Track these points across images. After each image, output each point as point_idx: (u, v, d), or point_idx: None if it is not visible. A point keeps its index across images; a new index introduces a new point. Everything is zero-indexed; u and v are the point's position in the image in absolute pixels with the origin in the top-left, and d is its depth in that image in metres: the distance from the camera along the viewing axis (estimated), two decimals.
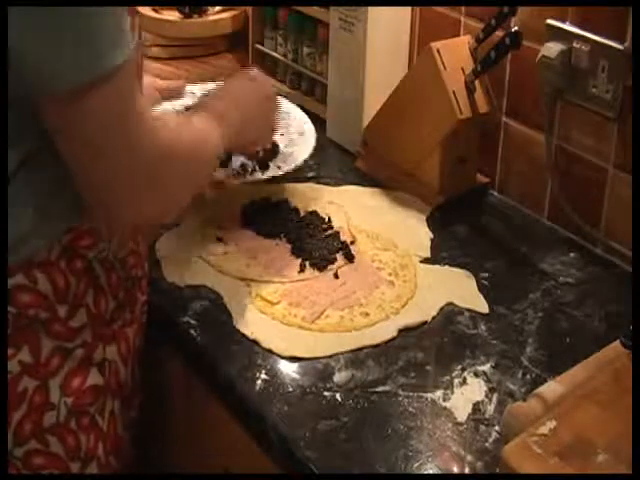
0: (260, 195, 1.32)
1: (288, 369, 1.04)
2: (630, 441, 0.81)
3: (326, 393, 1.00)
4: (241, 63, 1.77)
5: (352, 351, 1.07)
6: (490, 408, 0.99)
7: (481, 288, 1.19)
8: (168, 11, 1.79)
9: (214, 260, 1.20)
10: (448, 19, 1.42)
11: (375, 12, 1.42)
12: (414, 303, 1.15)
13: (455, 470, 0.92)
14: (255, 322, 1.10)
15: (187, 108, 1.18)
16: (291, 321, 1.10)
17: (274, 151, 1.35)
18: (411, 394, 1.01)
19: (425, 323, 1.12)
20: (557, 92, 1.27)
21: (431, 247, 1.27)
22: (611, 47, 1.19)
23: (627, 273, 1.23)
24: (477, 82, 1.30)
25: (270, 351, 1.06)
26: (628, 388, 0.86)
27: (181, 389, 1.18)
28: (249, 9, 1.75)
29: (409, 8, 1.48)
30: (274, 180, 1.32)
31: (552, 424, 0.85)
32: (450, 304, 1.15)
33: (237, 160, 1.31)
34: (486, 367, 1.05)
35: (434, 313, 1.14)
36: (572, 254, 1.28)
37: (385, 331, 1.10)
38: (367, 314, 1.12)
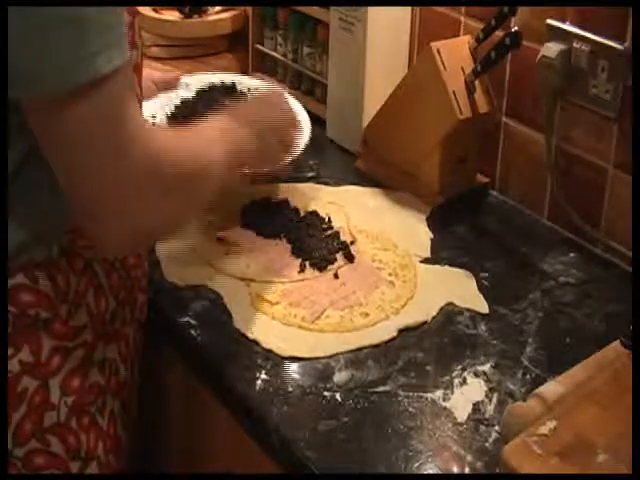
0: (260, 195, 1.33)
1: (288, 369, 1.04)
2: (630, 441, 0.81)
3: (326, 393, 1.00)
4: (241, 63, 1.77)
5: (352, 351, 1.07)
6: (490, 408, 0.99)
7: (481, 288, 1.19)
8: (168, 11, 1.79)
9: (214, 260, 1.20)
10: (448, 19, 1.42)
11: (375, 12, 1.42)
12: (414, 303, 1.15)
13: (455, 470, 0.92)
14: (255, 322, 1.10)
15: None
16: (291, 321, 1.10)
17: None
18: (411, 394, 1.01)
19: (425, 323, 1.12)
20: (557, 92, 1.27)
21: (431, 247, 1.27)
22: (611, 47, 1.19)
23: (627, 273, 1.23)
24: (477, 82, 1.30)
25: (270, 351, 1.06)
26: (628, 388, 0.86)
27: (181, 389, 1.18)
28: (249, 9, 1.75)
29: (409, 8, 1.48)
30: (274, 180, 1.33)
31: (552, 424, 0.85)
32: (450, 304, 1.15)
33: None
34: (486, 367, 1.05)
35: (434, 313, 1.14)
36: (572, 254, 1.28)
37: (385, 331, 1.10)
38: (367, 314, 1.12)
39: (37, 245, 0.91)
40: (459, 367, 1.05)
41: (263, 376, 1.02)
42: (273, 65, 1.73)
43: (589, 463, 0.82)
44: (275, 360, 1.05)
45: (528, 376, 1.04)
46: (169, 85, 1.39)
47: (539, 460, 0.82)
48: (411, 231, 1.30)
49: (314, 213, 1.29)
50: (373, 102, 1.44)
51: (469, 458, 0.93)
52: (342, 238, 1.24)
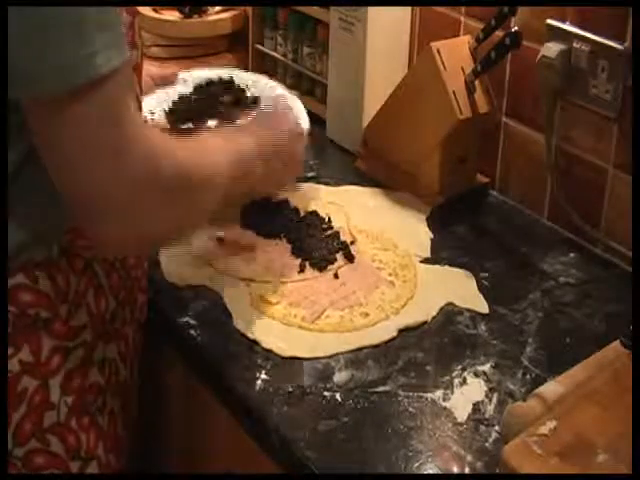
0: (260, 195, 1.32)
1: (288, 369, 1.04)
2: (630, 441, 0.81)
3: (326, 393, 1.00)
4: (241, 63, 1.77)
5: (352, 351, 1.07)
6: (490, 408, 0.99)
7: (481, 288, 1.19)
8: (168, 11, 1.79)
9: (214, 260, 1.20)
10: (448, 19, 1.42)
11: (375, 12, 1.42)
12: (414, 303, 1.15)
13: (455, 470, 0.92)
14: (255, 322, 1.10)
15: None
16: (291, 321, 1.10)
17: None
18: (411, 394, 1.01)
19: (425, 323, 1.12)
20: (557, 92, 1.27)
21: (431, 247, 1.27)
22: (611, 47, 1.19)
23: (627, 273, 1.23)
24: (477, 82, 1.30)
25: (270, 351, 1.06)
26: (628, 388, 0.86)
27: (181, 389, 1.18)
28: (249, 9, 1.75)
29: (409, 8, 1.48)
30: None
31: (552, 424, 0.85)
32: (450, 304, 1.15)
33: None
34: (486, 367, 1.05)
35: (434, 313, 1.14)
36: (572, 254, 1.28)
37: (385, 331, 1.10)
38: (367, 314, 1.12)
39: (37, 245, 0.91)
40: (459, 367, 1.05)
41: (263, 376, 1.02)
42: (273, 65, 1.73)
43: (589, 463, 0.82)
44: (275, 360, 1.05)
45: (528, 376, 1.04)
46: (167, 81, 1.40)
47: (539, 460, 0.82)
48: (411, 231, 1.30)
49: (314, 213, 1.29)
50: (373, 102, 1.44)
51: (469, 458, 0.93)
52: (342, 238, 1.24)
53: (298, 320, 1.10)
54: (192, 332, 1.09)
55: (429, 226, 1.32)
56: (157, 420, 1.24)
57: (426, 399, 1.00)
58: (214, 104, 1.40)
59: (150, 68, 1.37)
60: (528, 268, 1.24)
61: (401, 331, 1.10)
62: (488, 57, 1.26)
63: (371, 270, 1.20)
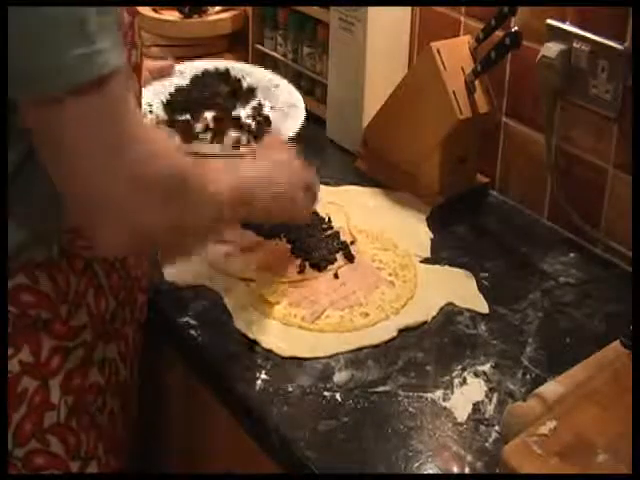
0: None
1: (288, 369, 1.04)
2: (630, 441, 0.81)
3: (326, 393, 1.00)
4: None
5: (352, 351, 1.07)
6: (490, 408, 0.99)
7: (481, 288, 1.19)
8: (168, 11, 1.78)
9: (214, 260, 1.20)
10: (448, 19, 1.42)
11: (375, 12, 1.42)
12: (414, 303, 1.15)
13: (455, 470, 0.92)
14: (255, 322, 1.10)
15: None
16: (291, 321, 1.10)
17: (267, 123, 1.37)
18: (411, 394, 1.01)
19: (425, 323, 1.12)
20: (557, 92, 1.27)
21: (431, 247, 1.27)
22: (611, 47, 1.19)
23: (627, 273, 1.23)
24: (477, 82, 1.30)
25: (270, 351, 1.06)
26: (628, 388, 0.86)
27: (181, 389, 1.19)
28: (249, 9, 1.75)
29: (409, 8, 1.48)
30: None
31: (552, 424, 0.85)
32: (450, 304, 1.15)
33: (231, 134, 1.33)
34: (486, 367, 1.05)
35: (434, 313, 1.14)
36: (572, 254, 1.28)
37: (385, 331, 1.10)
38: (367, 314, 1.12)
39: (37, 245, 0.91)
40: (459, 367, 1.05)
41: (263, 376, 1.02)
42: (273, 65, 1.72)
43: (589, 463, 0.82)
44: (275, 360, 1.05)
45: (528, 376, 1.04)
46: (163, 73, 1.40)
47: (539, 460, 0.82)
48: (411, 231, 1.30)
49: (314, 213, 1.29)
50: (373, 102, 1.44)
51: (469, 458, 0.93)
52: (342, 238, 1.24)
53: (298, 320, 1.10)
54: (192, 332, 1.09)
55: (429, 226, 1.32)
56: (157, 420, 1.24)
57: (426, 399, 1.00)
58: (211, 95, 1.41)
59: (146, 61, 1.37)
60: (528, 268, 1.24)
61: (401, 331, 1.10)
62: (488, 57, 1.26)
63: (371, 270, 1.20)
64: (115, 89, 0.81)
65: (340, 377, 1.03)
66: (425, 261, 1.24)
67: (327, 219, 1.28)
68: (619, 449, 0.82)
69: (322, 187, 1.38)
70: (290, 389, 1.01)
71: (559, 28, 1.25)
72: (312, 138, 1.55)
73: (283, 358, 1.05)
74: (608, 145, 1.24)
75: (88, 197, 0.83)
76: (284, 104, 1.42)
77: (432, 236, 1.30)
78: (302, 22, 1.62)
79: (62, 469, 0.96)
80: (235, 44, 1.83)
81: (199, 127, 1.35)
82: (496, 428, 0.96)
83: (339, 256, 1.21)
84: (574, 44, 1.23)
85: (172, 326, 1.11)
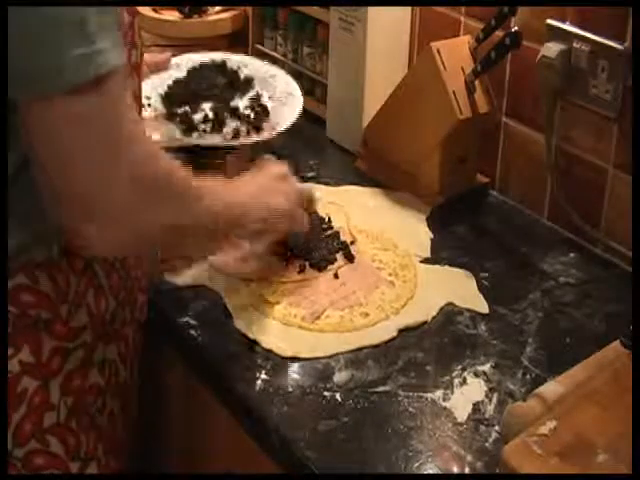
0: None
1: (288, 369, 1.04)
2: (630, 441, 0.81)
3: (326, 393, 1.00)
4: None
5: (352, 351, 1.07)
6: (490, 408, 0.99)
7: (481, 288, 1.19)
8: (168, 11, 1.78)
9: (214, 260, 1.19)
10: (448, 19, 1.42)
11: (375, 12, 1.42)
12: (414, 303, 1.15)
13: (455, 470, 0.92)
14: (255, 322, 1.10)
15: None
16: (291, 321, 1.10)
17: (265, 113, 1.37)
18: (411, 394, 1.01)
19: (425, 323, 1.12)
20: (557, 92, 1.27)
21: (431, 247, 1.27)
22: (611, 47, 1.19)
23: (627, 273, 1.23)
24: (477, 82, 1.30)
25: (270, 351, 1.06)
26: (628, 388, 0.86)
27: (181, 389, 1.19)
28: (249, 9, 1.75)
29: (409, 8, 1.48)
30: None
31: (552, 424, 0.85)
32: (450, 304, 1.15)
33: (230, 125, 1.34)
34: (486, 367, 1.05)
35: (434, 313, 1.14)
36: (572, 254, 1.28)
37: (385, 331, 1.10)
38: (367, 314, 1.12)
39: (37, 245, 0.91)
40: (459, 367, 1.05)
41: (263, 376, 1.02)
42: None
43: (589, 463, 0.82)
44: (275, 360, 1.05)
45: (528, 376, 1.04)
46: (160, 66, 1.40)
47: (539, 460, 0.82)
48: (411, 231, 1.30)
49: (314, 213, 1.29)
50: (373, 102, 1.44)
51: (469, 458, 0.93)
52: (342, 238, 1.24)
53: (298, 320, 1.10)
54: (192, 332, 1.09)
55: (429, 226, 1.32)
56: (157, 420, 1.24)
57: (426, 399, 1.00)
58: (208, 87, 1.42)
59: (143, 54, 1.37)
60: (528, 268, 1.24)
61: (401, 331, 1.10)
62: (488, 57, 1.26)
63: (371, 270, 1.20)
64: (113, 89, 0.81)
65: (340, 377, 1.03)
66: (425, 261, 1.24)
67: (327, 219, 1.28)
68: (619, 449, 0.82)
69: (322, 187, 1.39)
70: (290, 389, 1.01)
71: (559, 28, 1.25)
72: (312, 138, 1.56)
73: (283, 358, 1.05)
74: (608, 145, 1.24)
75: (86, 197, 0.83)
76: (282, 94, 1.42)
77: (432, 236, 1.30)
78: (302, 22, 1.62)
79: (62, 469, 0.95)
80: (235, 44, 1.82)
81: (198, 118, 1.35)
82: (496, 428, 0.96)
83: (339, 256, 1.21)
84: (574, 44, 1.23)
85: (172, 326, 1.11)
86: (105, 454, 1.01)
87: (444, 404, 1.00)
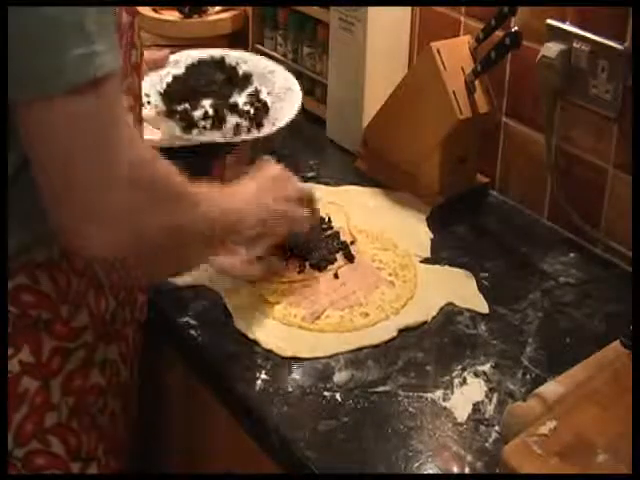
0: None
1: (288, 369, 1.04)
2: (630, 441, 0.81)
3: (326, 393, 1.00)
4: None
5: (352, 351, 1.07)
6: (490, 408, 0.99)
7: (481, 288, 1.19)
8: (168, 11, 1.79)
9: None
10: (448, 19, 1.42)
11: (375, 12, 1.42)
12: (414, 303, 1.15)
13: (455, 470, 0.92)
14: (255, 322, 1.10)
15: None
16: (291, 321, 1.10)
17: (265, 109, 1.38)
18: (411, 394, 1.01)
19: (425, 323, 1.12)
20: (557, 92, 1.27)
21: (431, 247, 1.27)
22: (611, 47, 1.19)
23: (627, 273, 1.23)
24: (477, 82, 1.30)
25: (270, 351, 1.06)
26: (628, 388, 0.86)
27: (181, 389, 1.19)
28: (249, 9, 1.75)
29: (409, 8, 1.48)
30: None
31: (552, 424, 0.85)
32: (450, 304, 1.15)
33: (230, 121, 1.35)
34: (486, 367, 1.05)
35: (434, 313, 1.14)
36: (572, 254, 1.28)
37: (385, 331, 1.10)
38: (367, 314, 1.12)
39: (37, 246, 0.91)
40: (459, 367, 1.05)
41: (263, 376, 1.02)
42: None
43: (589, 463, 0.82)
44: (275, 360, 1.05)
45: (528, 376, 1.04)
46: (159, 63, 1.40)
47: (539, 460, 0.82)
48: (411, 231, 1.30)
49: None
50: (373, 102, 1.44)
51: (469, 458, 0.93)
52: (342, 238, 1.24)
53: (298, 320, 1.10)
54: (192, 332, 1.09)
55: (429, 226, 1.32)
56: (157, 420, 1.24)
57: (426, 399, 1.00)
58: (207, 83, 1.42)
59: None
60: (528, 268, 1.24)
61: (401, 331, 1.10)
62: (488, 57, 1.26)
63: (371, 270, 1.20)
64: (110, 91, 0.81)
65: (340, 377, 1.03)
66: (425, 261, 1.24)
67: (327, 219, 1.28)
68: (619, 449, 0.82)
69: (322, 187, 1.39)
70: (290, 389, 1.01)
71: (559, 28, 1.25)
72: (312, 138, 1.56)
73: (283, 358, 1.05)
74: (608, 145, 1.24)
75: (86, 197, 0.83)
76: (280, 89, 1.43)
77: (432, 236, 1.30)
78: (302, 22, 1.62)
79: (62, 470, 0.96)
80: (235, 44, 1.82)
81: (198, 115, 1.36)
82: (496, 428, 0.96)
83: (339, 256, 1.21)
84: (574, 44, 1.23)
85: (172, 326, 1.11)
86: (106, 454, 1.01)
87: (444, 404, 1.00)
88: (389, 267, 1.21)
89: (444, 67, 1.29)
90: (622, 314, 1.12)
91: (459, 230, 1.32)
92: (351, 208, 1.33)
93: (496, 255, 1.26)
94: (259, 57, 1.53)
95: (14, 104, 0.81)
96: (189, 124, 1.34)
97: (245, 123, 1.35)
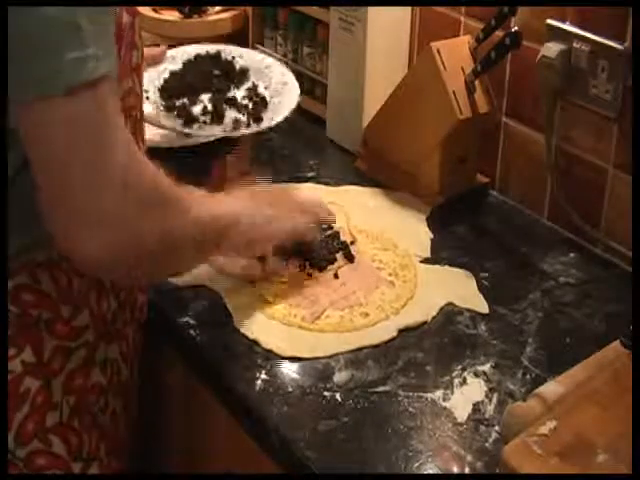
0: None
1: (288, 369, 1.04)
2: (630, 441, 0.81)
3: (326, 393, 1.00)
4: None
5: (352, 351, 1.07)
6: (490, 408, 0.99)
7: (481, 288, 1.19)
8: (168, 11, 1.79)
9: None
10: (448, 19, 1.42)
11: (375, 12, 1.42)
12: (414, 303, 1.15)
13: (455, 470, 0.92)
14: (255, 322, 1.10)
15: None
16: (291, 321, 1.10)
17: (263, 103, 1.38)
18: (411, 394, 1.01)
19: (425, 323, 1.12)
20: (557, 92, 1.27)
21: (431, 247, 1.27)
22: (611, 47, 1.19)
23: (627, 273, 1.23)
24: (477, 82, 1.30)
25: (270, 351, 1.06)
26: (628, 388, 0.86)
27: (181, 389, 1.18)
28: (249, 9, 1.75)
29: (409, 8, 1.48)
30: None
31: (552, 424, 0.85)
32: (450, 304, 1.15)
33: (229, 116, 1.35)
34: (486, 367, 1.05)
35: (434, 313, 1.14)
36: (572, 254, 1.28)
37: (385, 331, 1.10)
38: (367, 314, 1.12)
39: (37, 246, 0.91)
40: (459, 367, 1.05)
41: (263, 376, 1.02)
42: None
43: (589, 463, 0.82)
44: (275, 360, 1.05)
45: (528, 376, 1.04)
46: (156, 59, 1.41)
47: (539, 460, 0.82)
48: (411, 231, 1.30)
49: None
50: (373, 102, 1.44)
51: (469, 458, 0.93)
52: (342, 238, 1.24)
53: (298, 320, 1.10)
54: (192, 332, 1.09)
55: (429, 226, 1.32)
56: (157, 420, 1.24)
57: (426, 399, 1.00)
58: (205, 78, 1.42)
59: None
60: (528, 268, 1.24)
61: (401, 331, 1.10)
62: (488, 57, 1.26)
63: (371, 270, 1.20)
64: (104, 94, 0.81)
65: (340, 377, 1.03)
66: (425, 261, 1.24)
67: None
68: (619, 449, 0.82)
69: (322, 187, 1.39)
70: (290, 389, 1.01)
71: (559, 28, 1.25)
72: (312, 138, 1.56)
73: (283, 358, 1.05)
74: (608, 145, 1.24)
75: (80, 199, 0.82)
76: (277, 83, 1.43)
77: (432, 236, 1.30)
78: (302, 22, 1.62)
79: (64, 469, 0.96)
80: (235, 44, 1.83)
81: (197, 110, 1.36)
82: (496, 428, 0.96)
83: (339, 256, 1.21)
84: (574, 44, 1.23)
85: (172, 326, 1.11)
86: (107, 454, 1.01)
87: (444, 404, 1.00)
88: (389, 267, 1.21)
89: (444, 67, 1.29)
90: (622, 314, 1.12)
91: (459, 230, 1.32)
92: (351, 208, 1.33)
93: (496, 255, 1.26)
94: (255, 52, 1.53)
95: (13, 105, 0.81)
96: (188, 119, 1.34)
97: (244, 118, 1.35)
